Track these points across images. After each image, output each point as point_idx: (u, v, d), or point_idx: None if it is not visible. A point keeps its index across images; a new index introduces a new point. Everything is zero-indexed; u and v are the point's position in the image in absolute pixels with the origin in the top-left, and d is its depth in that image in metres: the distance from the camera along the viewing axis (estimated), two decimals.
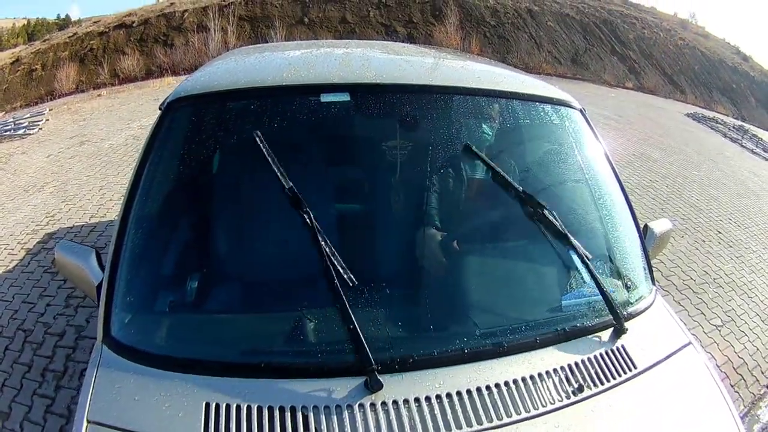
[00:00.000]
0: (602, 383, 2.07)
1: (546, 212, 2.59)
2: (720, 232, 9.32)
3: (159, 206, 2.57)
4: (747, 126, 26.26)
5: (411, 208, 2.84)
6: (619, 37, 37.08)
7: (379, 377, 1.89)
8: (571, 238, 2.55)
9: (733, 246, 8.81)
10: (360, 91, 2.73)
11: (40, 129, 14.53)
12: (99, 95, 20.97)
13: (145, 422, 1.81)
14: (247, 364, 1.99)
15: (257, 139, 2.63)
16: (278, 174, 2.46)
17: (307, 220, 2.48)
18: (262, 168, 2.62)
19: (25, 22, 48.46)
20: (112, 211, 8.03)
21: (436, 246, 2.68)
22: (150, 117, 14.28)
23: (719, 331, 6.07)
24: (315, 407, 1.84)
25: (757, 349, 5.90)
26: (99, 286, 2.35)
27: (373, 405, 1.86)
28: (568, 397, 1.98)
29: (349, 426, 1.80)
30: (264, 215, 2.70)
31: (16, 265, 6.63)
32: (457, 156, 2.91)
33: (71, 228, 7.58)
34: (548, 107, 3.05)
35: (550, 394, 1.97)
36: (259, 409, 1.84)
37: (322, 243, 2.29)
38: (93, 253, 2.53)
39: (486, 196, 2.94)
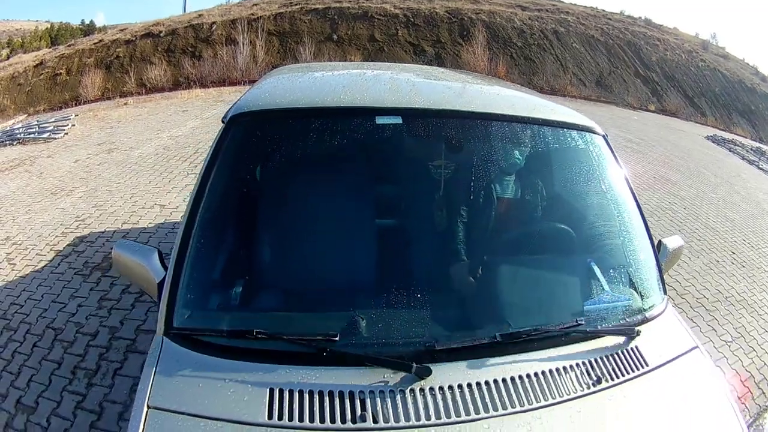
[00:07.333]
0: (618, 377, 2.31)
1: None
2: (734, 253, 9.44)
3: (221, 211, 2.77)
4: (765, 148, 26.18)
5: (453, 222, 3.09)
6: (642, 59, 36.97)
7: (427, 365, 2.11)
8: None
9: (746, 266, 8.93)
10: (411, 114, 2.95)
11: (66, 134, 14.64)
12: (125, 104, 21.17)
13: (209, 407, 1.97)
14: (309, 353, 2.16)
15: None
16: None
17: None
18: (318, 181, 2.92)
19: (49, 26, 48.53)
20: (145, 219, 8.09)
21: (479, 256, 3.01)
22: (179, 128, 14.55)
23: (729, 346, 6.26)
24: (371, 392, 2.05)
25: (765, 364, 6.08)
26: (160, 284, 2.50)
27: (422, 390, 2.07)
28: (588, 387, 2.22)
29: (401, 408, 2.01)
30: (324, 222, 2.92)
31: (45, 266, 6.67)
32: (493, 176, 3.28)
33: (103, 233, 7.62)
34: (575, 133, 3.27)
35: (573, 384, 2.22)
36: (320, 394, 2.02)
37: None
38: (155, 253, 2.68)
39: (519, 213, 3.39)
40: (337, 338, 2.19)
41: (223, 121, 3.01)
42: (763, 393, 5.61)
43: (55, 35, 45.97)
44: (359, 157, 3.15)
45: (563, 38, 35.44)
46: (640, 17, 43.84)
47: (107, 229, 7.78)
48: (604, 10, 42.32)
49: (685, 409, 2.32)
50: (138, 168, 10.89)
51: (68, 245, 7.29)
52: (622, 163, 3.32)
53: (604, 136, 3.35)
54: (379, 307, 2.45)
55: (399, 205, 3.24)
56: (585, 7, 41.90)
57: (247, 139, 2.95)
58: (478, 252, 3.06)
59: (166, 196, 9.12)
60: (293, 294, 2.74)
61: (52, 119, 17.09)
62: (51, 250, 7.17)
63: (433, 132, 3.01)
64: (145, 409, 1.98)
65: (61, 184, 10.06)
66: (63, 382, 4.56)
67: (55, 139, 14.15)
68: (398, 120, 2.94)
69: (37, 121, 17.34)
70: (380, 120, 2.92)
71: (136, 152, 12.16)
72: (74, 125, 15.82)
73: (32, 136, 14.39)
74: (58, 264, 6.73)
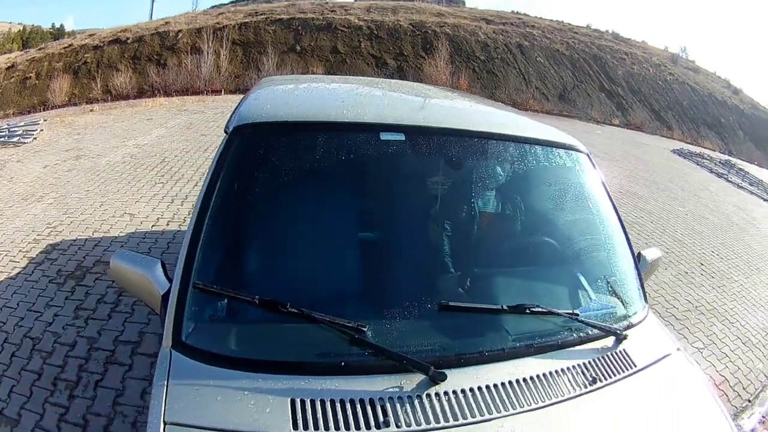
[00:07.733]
0: (610, 377, 2.48)
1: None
2: (702, 264, 9.74)
3: (227, 221, 2.73)
4: (734, 160, 26.77)
5: (454, 236, 3.16)
6: (608, 73, 37.49)
7: (442, 371, 2.19)
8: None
9: (715, 276, 9.24)
10: (412, 131, 3.06)
11: (35, 139, 14.50)
12: (91, 110, 21.05)
13: (230, 420, 1.96)
14: (328, 363, 2.21)
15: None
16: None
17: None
18: (324, 194, 2.99)
19: (21, 28, 48.31)
20: (115, 228, 8.01)
21: (480, 268, 3.14)
22: (145, 136, 14.56)
23: (701, 353, 6.55)
24: (390, 398, 2.11)
25: (738, 368, 6.42)
26: (165, 295, 2.48)
27: (437, 394, 2.16)
28: (585, 387, 2.38)
29: (420, 412, 2.08)
30: (336, 231, 2.99)
31: (19, 273, 6.59)
32: (488, 191, 3.43)
33: (74, 241, 7.55)
34: (562, 151, 3.44)
35: (573, 384, 2.38)
36: (342, 402, 2.06)
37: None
38: (158, 264, 2.65)
39: (512, 227, 3.49)
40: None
41: (225, 132, 3.04)
42: (739, 395, 5.96)
43: (26, 38, 45.78)
44: (363, 171, 3.17)
45: (527, 52, 35.86)
46: (607, 31, 44.61)
47: (79, 237, 7.73)
48: (570, 24, 42.99)
49: (676, 406, 2.52)
50: (106, 176, 10.85)
51: (41, 252, 7.23)
52: (604, 178, 3.55)
53: (587, 154, 3.55)
54: (394, 317, 2.47)
55: (405, 217, 3.24)
56: (551, 20, 42.53)
57: (251, 150, 2.94)
58: (479, 264, 3.20)
59: (135, 205, 9.09)
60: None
61: (22, 123, 17.04)
62: (24, 256, 7.10)
63: (433, 149, 3.10)
64: (162, 425, 1.95)
65: (31, 189, 9.98)
66: (44, 394, 4.51)
67: (25, 143, 14.03)
68: (401, 137, 3.03)
69: (7, 125, 17.14)
70: (384, 136, 2.99)
71: (104, 160, 12.12)
72: (43, 130, 15.73)
73: (2, 140, 14.26)
74: (32, 271, 6.67)
